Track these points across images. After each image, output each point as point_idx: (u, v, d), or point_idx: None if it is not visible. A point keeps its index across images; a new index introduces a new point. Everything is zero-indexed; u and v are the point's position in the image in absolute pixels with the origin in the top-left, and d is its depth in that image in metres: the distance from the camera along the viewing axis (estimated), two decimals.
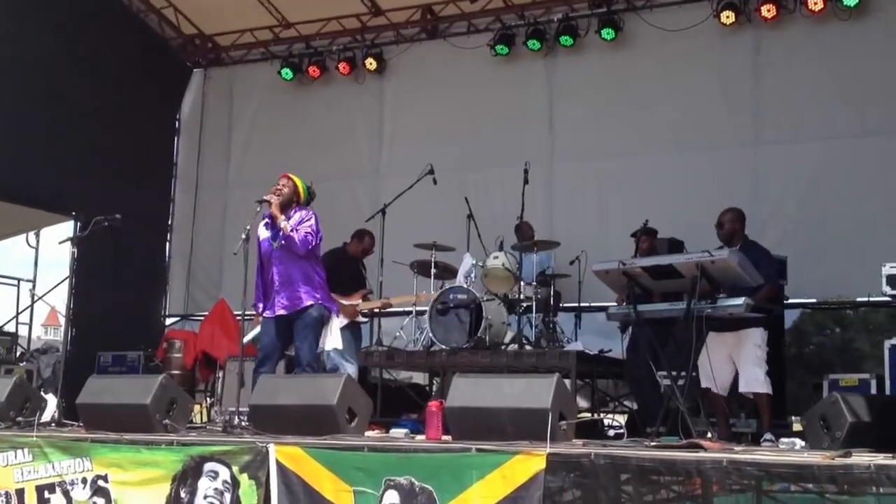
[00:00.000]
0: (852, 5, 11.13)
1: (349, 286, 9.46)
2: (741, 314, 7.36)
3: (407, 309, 10.76)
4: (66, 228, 12.93)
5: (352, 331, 9.31)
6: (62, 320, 12.54)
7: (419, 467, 5.84)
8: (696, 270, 7.17)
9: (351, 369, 9.06)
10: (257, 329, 8.43)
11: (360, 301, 9.44)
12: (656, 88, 12.30)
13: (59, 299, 11.96)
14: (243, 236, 7.99)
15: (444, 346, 10.05)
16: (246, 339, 8.33)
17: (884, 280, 8.48)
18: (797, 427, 8.16)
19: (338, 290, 9.24)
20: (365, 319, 9.58)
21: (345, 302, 9.20)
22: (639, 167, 12.26)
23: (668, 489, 5.61)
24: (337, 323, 8.56)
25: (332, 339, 8.54)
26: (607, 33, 12.34)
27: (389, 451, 6.06)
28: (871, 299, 10.84)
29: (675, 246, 9.84)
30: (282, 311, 8.17)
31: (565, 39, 12.56)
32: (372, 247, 10.17)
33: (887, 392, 8.23)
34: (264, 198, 8.19)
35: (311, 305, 8.18)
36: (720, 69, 12.05)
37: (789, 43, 11.70)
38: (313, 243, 8.26)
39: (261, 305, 8.36)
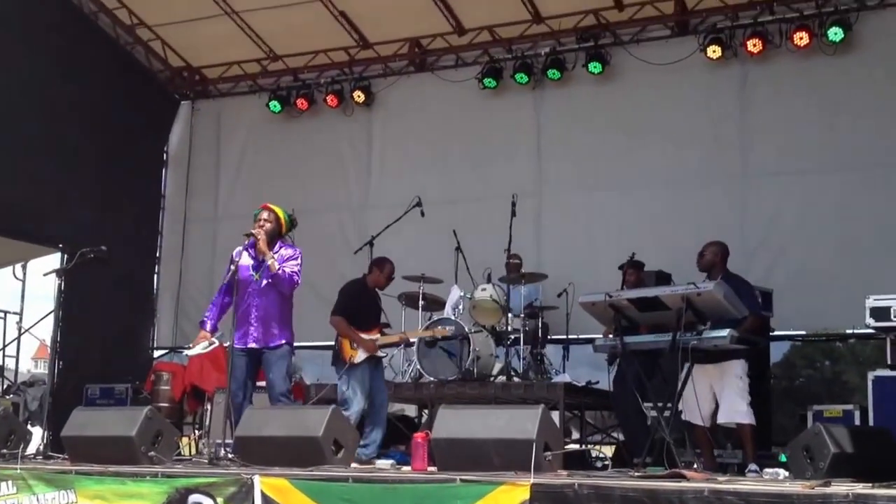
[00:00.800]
0: (837, 40, 11.22)
1: (369, 320, 9.34)
2: (726, 346, 7.38)
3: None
4: (54, 260, 12.92)
5: (371, 365, 9.23)
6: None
7: (404, 498, 5.84)
8: (681, 303, 7.20)
9: (357, 402, 9.00)
10: (204, 343, 8.34)
11: (380, 336, 9.33)
12: (643, 122, 12.36)
13: (47, 332, 11.94)
14: (231, 267, 8.04)
15: (432, 378, 10.07)
16: (193, 352, 8.31)
17: (867, 312, 8.52)
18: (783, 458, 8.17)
19: (357, 323, 9.23)
20: (384, 354, 9.48)
21: (365, 336, 9.15)
22: (626, 200, 12.32)
23: None
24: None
25: None
26: (594, 67, 12.41)
27: (374, 482, 6.06)
28: (856, 332, 10.92)
29: (663, 279, 9.91)
30: (253, 345, 8.15)
31: (553, 73, 12.63)
32: (393, 272, 9.75)
33: (871, 423, 8.25)
34: (251, 232, 8.20)
35: (283, 344, 8.20)
36: (707, 103, 12.13)
37: (775, 77, 11.79)
38: (298, 283, 8.28)
39: (209, 324, 8.30)
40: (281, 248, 8.28)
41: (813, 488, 4.96)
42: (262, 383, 8.55)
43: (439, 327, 9.95)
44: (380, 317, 9.54)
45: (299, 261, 8.29)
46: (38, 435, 8.71)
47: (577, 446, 10.50)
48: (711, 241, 8.63)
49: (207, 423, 11.22)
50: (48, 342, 11.49)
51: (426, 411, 10.92)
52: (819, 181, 11.37)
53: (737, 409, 8.00)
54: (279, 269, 8.09)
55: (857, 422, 8.83)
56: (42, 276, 8.97)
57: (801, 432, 7.34)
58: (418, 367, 10.22)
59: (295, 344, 8.48)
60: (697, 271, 8.49)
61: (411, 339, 9.96)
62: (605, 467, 8.84)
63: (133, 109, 14.16)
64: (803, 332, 11.91)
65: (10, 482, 7.08)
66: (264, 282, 8.15)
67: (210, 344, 8.28)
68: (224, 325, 8.29)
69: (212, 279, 13.51)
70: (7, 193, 12.08)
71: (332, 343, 9.44)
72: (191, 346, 8.49)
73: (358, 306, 9.38)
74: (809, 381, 13.95)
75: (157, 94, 14.94)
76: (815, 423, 7.96)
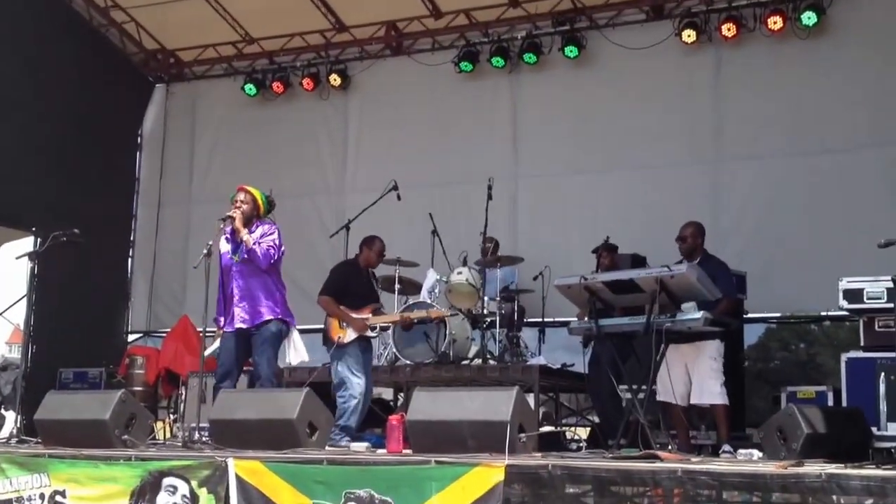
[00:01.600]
0: (811, 25, 11.25)
1: (360, 299, 9.26)
2: (700, 328, 7.43)
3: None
4: (27, 244, 12.83)
5: (360, 345, 9.15)
6: None
7: (378, 480, 5.86)
8: (655, 285, 7.25)
9: (357, 382, 8.91)
10: (218, 343, 8.37)
11: (370, 315, 9.24)
12: (618, 106, 12.38)
13: (20, 316, 11.86)
14: (205, 251, 8.00)
15: (408, 361, 10.07)
16: (207, 352, 8.27)
17: (840, 294, 8.55)
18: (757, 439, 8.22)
19: (348, 303, 9.12)
20: (374, 334, 9.39)
21: (354, 316, 9.09)
22: (601, 183, 12.35)
23: (630, 502, 5.64)
24: (298, 336, 8.51)
25: (297, 353, 8.51)
26: (570, 51, 12.41)
27: (349, 465, 6.08)
28: (830, 314, 10.98)
29: (638, 261, 9.94)
30: (241, 325, 8.16)
31: (529, 57, 12.62)
32: (383, 249, 9.58)
33: (844, 404, 8.31)
34: (227, 214, 8.18)
35: (271, 320, 8.18)
36: (682, 86, 12.15)
37: (749, 61, 11.81)
38: (275, 257, 8.26)
39: (222, 320, 8.36)
40: (258, 226, 8.28)
41: (786, 468, 4.99)
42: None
43: (434, 308, 9.85)
44: (373, 297, 9.42)
45: (276, 235, 8.28)
46: (11, 419, 8.67)
47: (551, 428, 10.52)
48: (689, 222, 8.69)
49: (182, 407, 11.21)
50: (20, 326, 11.42)
51: (402, 394, 10.93)
52: (792, 164, 11.41)
53: (710, 390, 8.06)
54: (254, 244, 8.08)
55: (831, 403, 8.87)
56: (14, 259, 8.90)
57: (773, 413, 7.39)
58: (394, 350, 10.21)
59: None
60: (671, 255, 8.53)
61: (414, 319, 9.66)
62: (580, 449, 8.85)
63: (107, 92, 14.06)
64: (777, 315, 11.98)
65: None
66: (241, 259, 8.14)
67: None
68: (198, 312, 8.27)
69: (186, 263, 13.42)
70: None
71: (313, 327, 9.42)
72: (210, 345, 8.47)
73: (346, 286, 9.27)
74: (784, 363, 14.02)
75: (132, 76, 14.85)
76: (789, 403, 8.00)
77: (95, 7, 14.01)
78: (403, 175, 11.26)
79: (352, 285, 9.28)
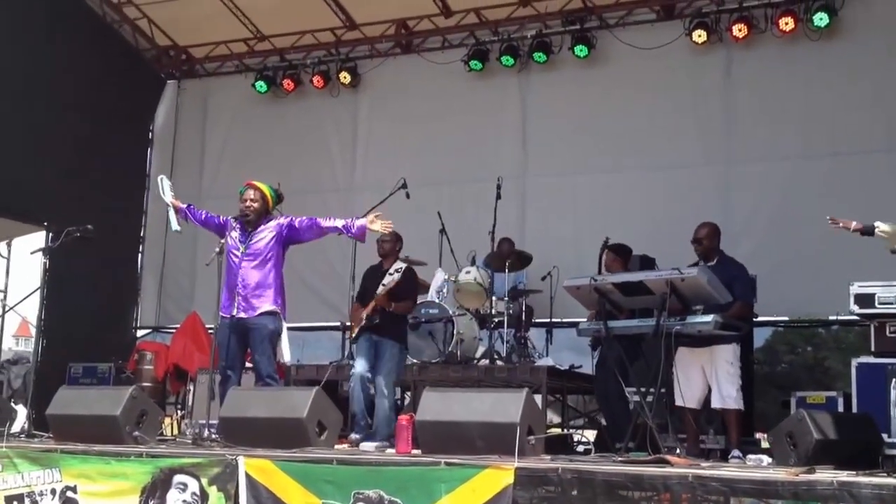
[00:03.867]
0: (823, 26, 11.23)
1: (367, 295, 9.32)
2: (710, 331, 7.41)
3: None
4: (39, 238, 12.85)
5: (366, 337, 9.20)
6: (33, 331, 12.48)
7: (388, 481, 5.87)
8: (665, 287, 7.23)
9: (354, 370, 9.05)
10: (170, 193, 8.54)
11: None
12: (629, 106, 12.37)
13: (31, 310, 11.89)
14: (217, 249, 8.02)
15: (415, 361, 10.06)
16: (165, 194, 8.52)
17: (852, 299, 8.53)
18: (766, 444, 8.20)
19: (364, 300, 9.23)
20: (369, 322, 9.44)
21: (355, 313, 9.23)
22: (611, 183, 12.33)
23: None
24: (286, 335, 8.52)
25: (286, 351, 8.53)
26: (580, 50, 12.41)
27: (359, 465, 6.08)
28: (840, 318, 10.96)
29: (647, 263, 9.92)
30: (242, 314, 8.08)
31: (539, 56, 12.62)
32: (387, 239, 9.35)
33: (854, 410, 8.29)
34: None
35: (271, 313, 8.15)
36: (692, 87, 12.14)
37: (760, 62, 11.80)
38: (310, 223, 8.29)
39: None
40: (269, 221, 8.29)
41: (797, 475, 4.99)
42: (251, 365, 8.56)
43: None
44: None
45: (288, 216, 8.36)
46: (22, 413, 8.69)
47: (557, 430, 10.52)
48: (703, 223, 8.61)
49: (190, 403, 11.23)
50: (30, 319, 11.44)
51: (408, 393, 10.93)
52: (803, 167, 11.40)
53: (728, 395, 8.03)
54: (297, 223, 8.25)
55: (841, 408, 8.83)
56: (29, 254, 8.92)
57: (783, 418, 7.37)
58: None
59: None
60: (680, 256, 8.50)
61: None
62: (587, 452, 8.85)
63: (119, 88, 14.09)
64: (786, 318, 11.95)
65: None
66: (247, 251, 8.15)
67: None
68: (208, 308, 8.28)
69: (195, 259, 13.47)
70: None
71: (322, 324, 9.43)
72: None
73: (364, 286, 9.41)
74: (791, 366, 14.00)
75: (144, 73, 14.89)
76: (799, 409, 7.99)
77: (108, 3, 14.06)
78: (412, 173, 11.22)
79: (366, 284, 9.39)
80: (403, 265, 9.17)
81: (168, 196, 8.65)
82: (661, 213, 11.70)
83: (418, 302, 10.27)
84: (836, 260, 10.62)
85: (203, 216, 8.73)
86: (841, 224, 7.65)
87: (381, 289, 8.97)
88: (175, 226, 8.72)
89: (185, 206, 8.77)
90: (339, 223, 8.29)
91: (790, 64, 11.65)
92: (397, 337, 9.22)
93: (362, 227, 8.22)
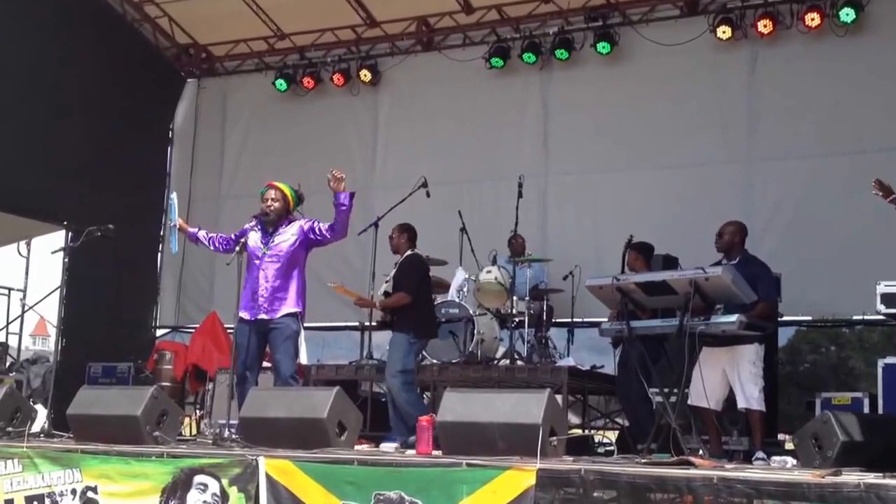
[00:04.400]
0: (849, 21, 11.11)
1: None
2: (734, 332, 7.32)
3: None
4: (58, 237, 12.82)
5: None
6: (51, 330, 12.46)
7: (409, 482, 5.81)
8: (689, 287, 7.14)
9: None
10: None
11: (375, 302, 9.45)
12: (651, 103, 12.29)
13: (50, 309, 11.86)
14: (237, 248, 7.98)
15: (435, 361, 10.02)
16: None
17: (878, 298, 8.45)
18: (790, 446, 8.12)
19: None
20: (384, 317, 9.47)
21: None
22: (634, 182, 12.25)
23: None
24: (303, 335, 8.52)
25: (302, 351, 8.54)
26: (603, 47, 12.33)
27: (379, 465, 6.03)
28: (866, 318, 10.84)
29: (670, 262, 9.84)
30: (263, 315, 8.04)
31: (561, 53, 12.55)
32: (392, 235, 9.60)
33: (880, 411, 8.19)
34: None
35: (293, 314, 8.11)
36: (716, 84, 12.05)
37: (786, 58, 11.70)
38: (331, 226, 8.21)
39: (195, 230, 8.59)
40: (290, 223, 8.24)
41: (823, 477, 4.91)
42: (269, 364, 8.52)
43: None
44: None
45: (310, 220, 8.30)
46: (42, 413, 8.68)
47: (579, 432, 10.46)
48: (730, 221, 8.55)
49: (209, 403, 11.21)
50: (49, 319, 11.44)
51: (428, 394, 10.89)
52: (828, 164, 11.29)
53: (751, 395, 7.93)
54: (318, 226, 8.21)
55: (867, 409, 8.75)
56: (51, 253, 8.90)
57: (807, 419, 7.29)
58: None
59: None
60: (703, 254, 8.43)
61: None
62: (608, 453, 8.78)
63: (139, 86, 14.11)
64: (810, 318, 11.83)
65: (16, 460, 7.08)
66: (269, 252, 8.10)
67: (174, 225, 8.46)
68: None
69: (214, 259, 13.41)
70: (11, 170, 12.06)
71: (338, 324, 9.44)
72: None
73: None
74: (815, 367, 13.87)
75: (164, 71, 14.91)
76: (824, 410, 7.90)
77: (129, 2, 14.08)
78: (433, 172, 11.21)
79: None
80: (401, 258, 9.24)
81: (175, 216, 8.55)
82: (683, 211, 11.63)
83: (437, 301, 10.20)
84: (860, 259, 10.56)
85: (214, 245, 8.59)
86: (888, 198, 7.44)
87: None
88: (175, 247, 8.64)
89: (194, 230, 8.62)
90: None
91: (816, 60, 11.54)
92: (402, 328, 9.12)
93: (337, 195, 8.08)
